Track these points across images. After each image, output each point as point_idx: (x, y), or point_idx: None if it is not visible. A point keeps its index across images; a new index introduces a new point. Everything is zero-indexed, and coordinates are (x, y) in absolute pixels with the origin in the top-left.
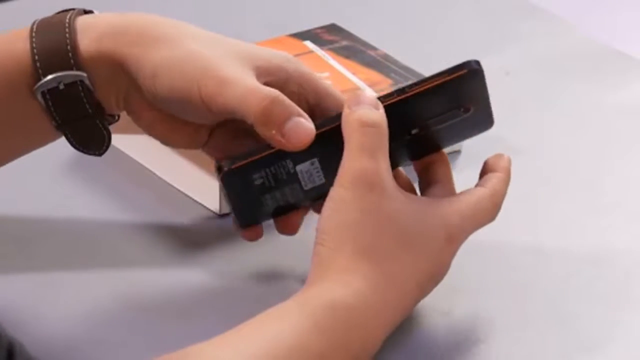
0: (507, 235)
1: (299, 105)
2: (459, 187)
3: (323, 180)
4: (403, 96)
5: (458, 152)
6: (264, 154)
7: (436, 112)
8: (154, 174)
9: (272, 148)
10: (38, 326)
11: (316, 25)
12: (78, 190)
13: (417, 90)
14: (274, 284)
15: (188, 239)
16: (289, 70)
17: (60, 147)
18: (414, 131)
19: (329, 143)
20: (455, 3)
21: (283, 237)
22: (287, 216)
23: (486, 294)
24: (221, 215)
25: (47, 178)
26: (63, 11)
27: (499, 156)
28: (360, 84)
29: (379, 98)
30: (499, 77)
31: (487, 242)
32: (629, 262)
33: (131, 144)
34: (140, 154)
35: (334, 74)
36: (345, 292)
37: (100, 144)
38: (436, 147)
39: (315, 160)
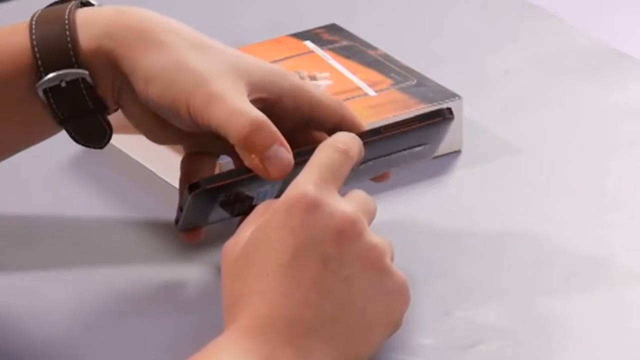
0: (506, 235)
1: (293, 118)
2: (459, 186)
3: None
4: (376, 137)
5: (458, 152)
6: (239, 178)
7: (399, 149)
8: (154, 174)
9: (249, 172)
10: (37, 325)
11: (316, 25)
12: (78, 190)
13: (391, 133)
14: None
15: None
16: (283, 87)
17: (61, 147)
18: (370, 163)
19: (297, 173)
20: (455, 3)
21: None
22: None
23: (486, 294)
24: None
25: (47, 178)
26: (61, 1)
27: None
28: (361, 84)
29: None
30: (499, 77)
31: (487, 242)
32: (629, 262)
33: (131, 144)
34: (140, 154)
35: (334, 74)
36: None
37: (102, 138)
38: (379, 172)
39: (278, 184)
